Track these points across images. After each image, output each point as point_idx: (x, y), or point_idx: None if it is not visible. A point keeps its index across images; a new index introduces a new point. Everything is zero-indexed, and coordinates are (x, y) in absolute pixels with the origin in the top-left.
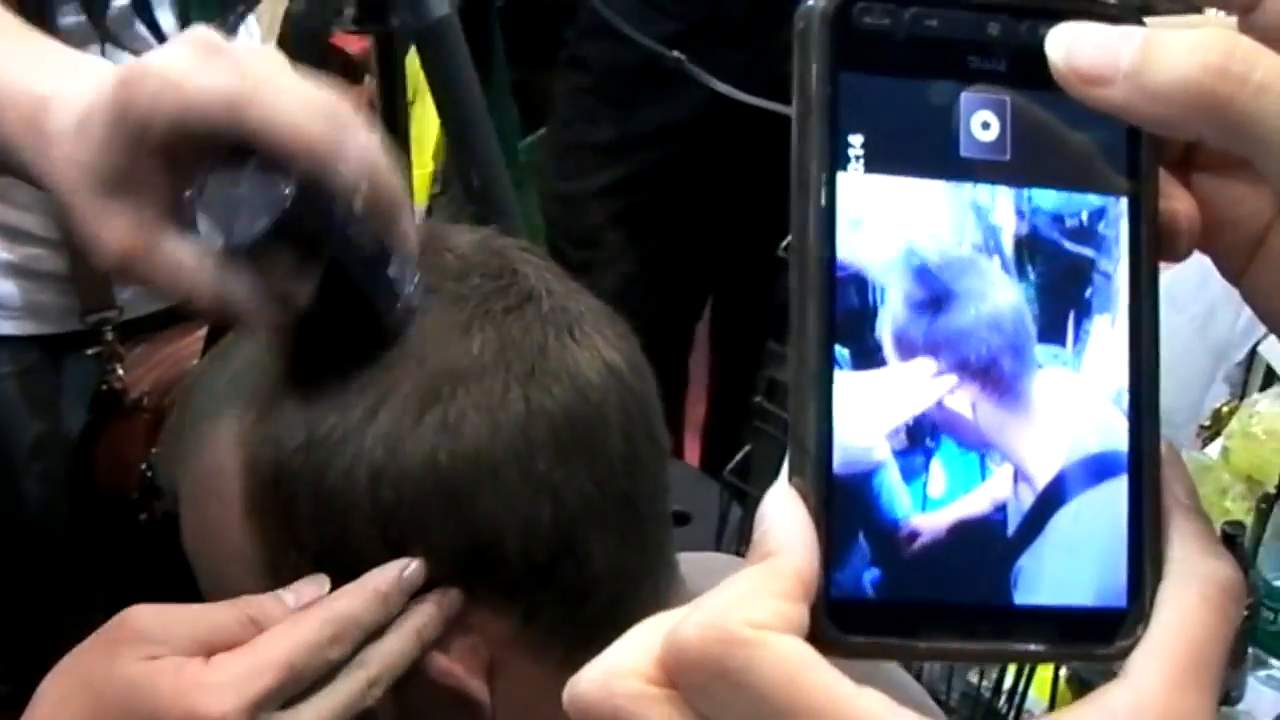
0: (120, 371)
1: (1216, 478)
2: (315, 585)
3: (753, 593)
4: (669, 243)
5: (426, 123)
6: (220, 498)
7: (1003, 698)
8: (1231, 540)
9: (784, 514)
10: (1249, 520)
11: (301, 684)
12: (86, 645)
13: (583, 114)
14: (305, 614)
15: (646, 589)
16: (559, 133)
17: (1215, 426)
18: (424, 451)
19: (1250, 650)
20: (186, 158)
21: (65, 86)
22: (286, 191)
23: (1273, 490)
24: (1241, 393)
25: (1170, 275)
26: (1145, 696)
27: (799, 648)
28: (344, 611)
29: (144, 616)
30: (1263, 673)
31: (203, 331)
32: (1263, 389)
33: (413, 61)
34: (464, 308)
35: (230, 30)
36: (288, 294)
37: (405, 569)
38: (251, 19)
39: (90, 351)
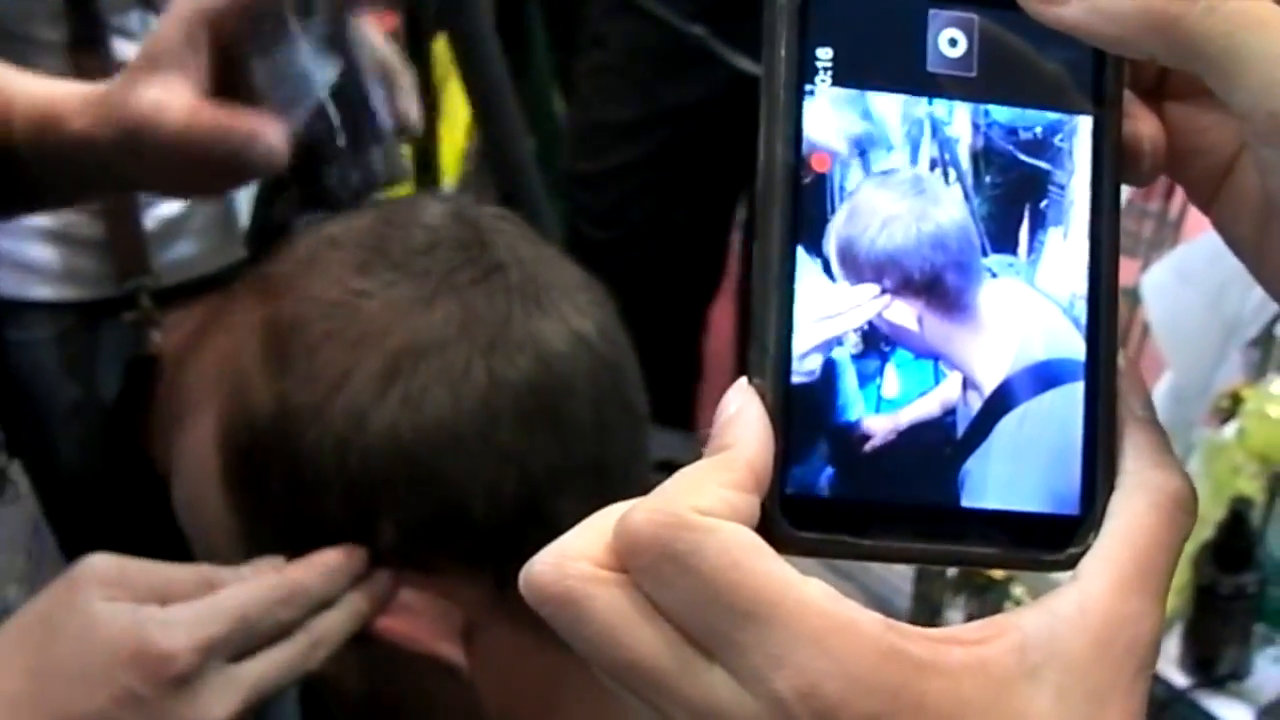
0: (156, 338)
1: (1230, 457)
2: (273, 561)
3: (703, 481)
4: (688, 222)
5: (458, 100)
6: (202, 470)
7: None
8: (1240, 516)
9: (740, 409)
10: (1260, 499)
11: (252, 638)
12: (47, 589)
13: (603, 93)
14: (259, 576)
15: None
16: (580, 112)
17: (1233, 408)
18: (387, 425)
19: (1257, 627)
20: (232, 39)
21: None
22: (337, 67)
23: None
24: (1259, 374)
25: (1182, 250)
26: (1090, 599)
27: (744, 534)
28: (295, 577)
29: (103, 564)
30: (1271, 650)
31: None
32: None
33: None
34: (428, 281)
35: None
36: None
37: (350, 554)
38: None
39: (127, 317)
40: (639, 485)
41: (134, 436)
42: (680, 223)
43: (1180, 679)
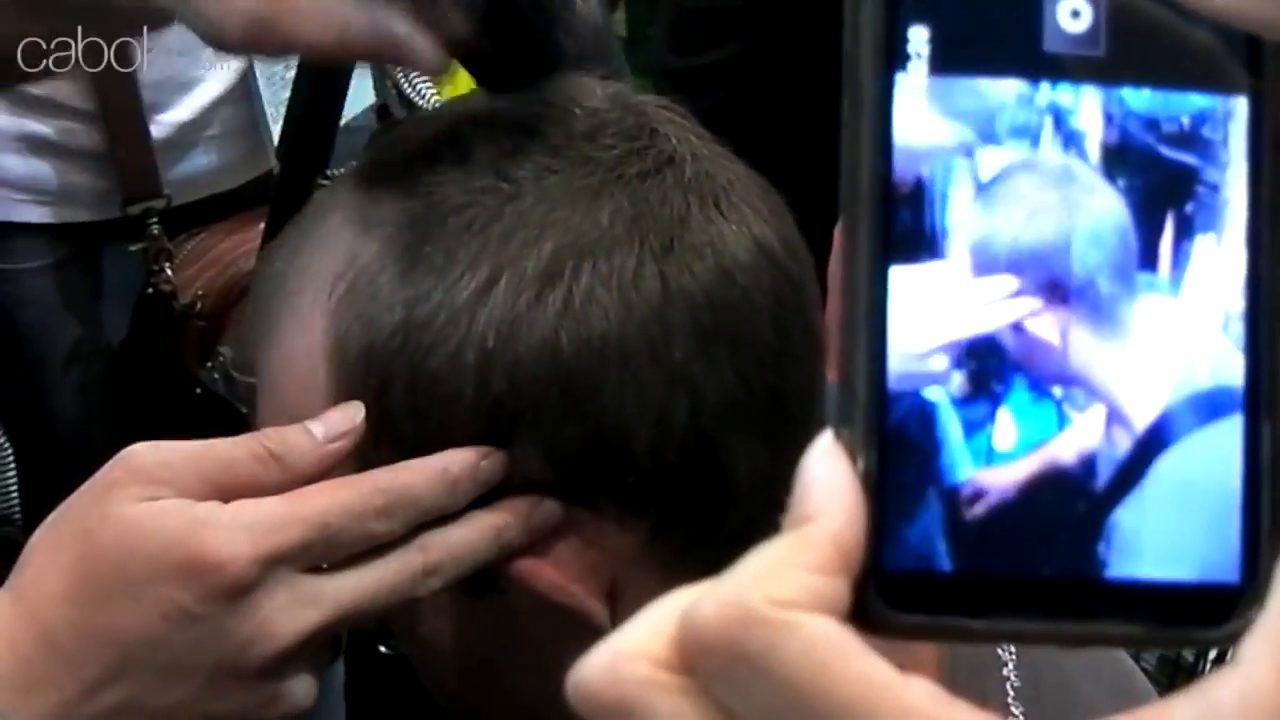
0: (169, 272)
1: None
2: (348, 412)
3: (781, 565)
4: (795, 125)
5: None
6: (302, 384)
7: (1207, 664)
8: None
9: (824, 472)
10: None
11: (335, 550)
12: (80, 491)
13: None
14: (355, 477)
15: None
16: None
17: None
18: (543, 335)
19: None
20: None
21: None
22: None
23: None
24: None
25: None
26: (1255, 688)
27: (831, 630)
28: (401, 483)
29: (142, 455)
30: None
31: (261, 225)
32: None
33: None
34: (594, 171)
35: None
36: (449, 28)
37: (484, 457)
38: None
39: (134, 247)
40: (816, 424)
41: (142, 383)
42: (787, 125)
43: None
